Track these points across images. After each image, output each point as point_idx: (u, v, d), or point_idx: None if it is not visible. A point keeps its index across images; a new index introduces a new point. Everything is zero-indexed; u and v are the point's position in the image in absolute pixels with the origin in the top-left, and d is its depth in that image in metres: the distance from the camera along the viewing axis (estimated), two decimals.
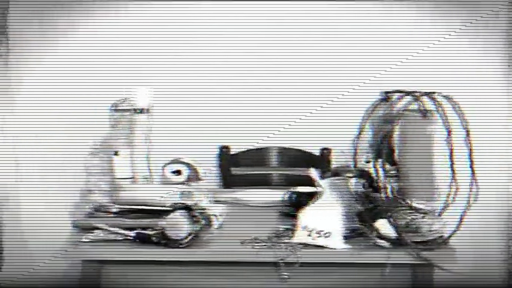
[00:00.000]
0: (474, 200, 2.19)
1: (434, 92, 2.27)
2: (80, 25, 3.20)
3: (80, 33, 3.20)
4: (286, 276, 2.18)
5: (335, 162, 3.12)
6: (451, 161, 2.21)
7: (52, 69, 3.20)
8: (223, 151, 3.21)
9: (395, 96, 2.33)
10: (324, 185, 2.29)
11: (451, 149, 2.20)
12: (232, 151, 3.23)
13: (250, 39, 3.18)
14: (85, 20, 3.19)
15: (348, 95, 3.13)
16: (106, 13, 3.19)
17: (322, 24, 3.17)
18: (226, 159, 3.21)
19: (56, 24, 3.19)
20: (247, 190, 2.87)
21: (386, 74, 3.11)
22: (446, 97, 2.24)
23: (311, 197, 2.34)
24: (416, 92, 2.27)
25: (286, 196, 2.61)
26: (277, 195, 2.73)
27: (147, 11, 3.19)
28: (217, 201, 2.61)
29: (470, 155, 2.20)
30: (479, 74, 3.12)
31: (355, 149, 2.39)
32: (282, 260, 2.16)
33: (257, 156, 3.21)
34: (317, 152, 3.17)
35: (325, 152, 3.16)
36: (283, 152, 3.21)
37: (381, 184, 2.29)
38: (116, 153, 2.71)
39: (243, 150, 3.22)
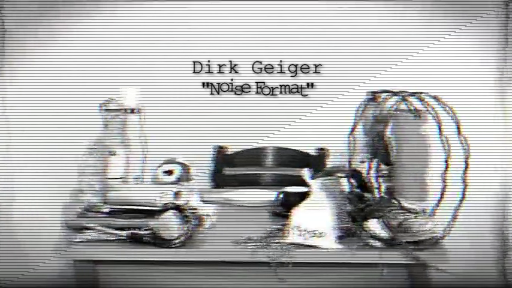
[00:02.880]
0: (464, 200, 2.20)
1: (422, 92, 2.27)
2: (73, 26, 3.19)
3: (73, 33, 3.20)
4: (281, 277, 2.17)
5: (329, 162, 3.12)
6: (446, 162, 2.21)
7: (45, 70, 3.19)
8: (216, 151, 3.21)
9: (383, 96, 2.33)
10: (315, 185, 2.29)
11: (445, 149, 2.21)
12: (226, 151, 3.22)
13: (245, 38, 3.18)
14: (79, 20, 3.19)
15: (343, 96, 3.13)
16: (100, 14, 3.18)
17: (320, 25, 3.16)
18: (220, 159, 3.20)
19: (49, 25, 3.18)
20: (238, 190, 2.88)
21: (382, 76, 3.11)
22: (434, 97, 2.24)
23: (302, 197, 2.34)
24: (404, 92, 2.27)
25: (277, 196, 2.61)
26: (268, 195, 2.73)
27: (140, 11, 3.18)
28: (208, 201, 2.61)
29: (465, 154, 2.20)
30: (474, 75, 3.12)
31: (349, 149, 2.39)
32: (274, 260, 2.15)
33: (250, 156, 3.21)
34: (311, 152, 3.17)
35: (319, 152, 3.16)
36: (277, 152, 3.21)
37: (373, 184, 2.29)
38: (110, 153, 2.71)
39: (236, 150, 3.22)
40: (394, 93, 2.28)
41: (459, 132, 2.20)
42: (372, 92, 2.40)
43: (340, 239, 2.21)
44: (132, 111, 2.71)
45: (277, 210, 2.55)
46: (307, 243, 2.19)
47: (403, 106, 2.27)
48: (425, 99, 2.25)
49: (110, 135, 2.75)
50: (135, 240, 2.21)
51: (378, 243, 2.17)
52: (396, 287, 2.23)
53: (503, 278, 3.19)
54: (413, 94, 2.27)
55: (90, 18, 3.19)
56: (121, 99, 2.73)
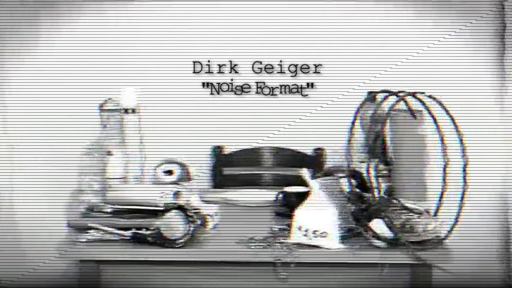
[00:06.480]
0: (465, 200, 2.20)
1: (420, 92, 2.28)
2: (72, 25, 3.18)
3: (73, 33, 3.19)
4: (284, 276, 2.18)
5: (328, 162, 3.13)
6: (444, 162, 2.22)
7: (44, 69, 3.18)
8: (216, 151, 3.21)
9: (382, 96, 2.34)
10: (315, 185, 2.29)
11: (444, 149, 2.22)
12: (225, 151, 3.22)
13: (245, 38, 3.18)
14: (78, 20, 3.18)
15: (343, 96, 3.14)
16: (99, 13, 3.18)
17: (320, 25, 3.17)
18: (219, 159, 3.20)
19: (48, 24, 3.18)
20: (238, 190, 2.88)
21: (382, 76, 3.12)
22: (431, 97, 2.25)
23: (302, 197, 2.34)
24: (402, 91, 2.28)
25: (277, 196, 2.61)
26: (267, 195, 2.73)
27: (140, 11, 3.18)
28: (207, 201, 2.61)
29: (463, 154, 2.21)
30: (472, 75, 3.13)
31: (348, 149, 2.39)
32: (278, 260, 2.16)
33: (250, 156, 3.21)
34: (310, 152, 3.17)
35: (318, 152, 3.16)
36: (276, 152, 3.21)
37: (373, 184, 2.29)
38: (107, 153, 2.71)
39: (235, 150, 3.22)
40: (393, 93, 2.29)
41: (457, 131, 2.21)
42: (370, 92, 2.41)
43: (344, 239, 2.21)
44: (131, 110, 2.71)
45: (281, 210, 2.55)
46: (310, 243, 2.19)
47: (401, 106, 2.28)
48: (423, 99, 2.26)
49: (108, 135, 2.75)
50: (139, 240, 2.21)
51: (381, 243, 2.17)
52: (400, 287, 2.23)
53: (507, 278, 3.20)
54: (411, 94, 2.28)
55: (89, 17, 3.18)
56: (119, 99, 2.73)
